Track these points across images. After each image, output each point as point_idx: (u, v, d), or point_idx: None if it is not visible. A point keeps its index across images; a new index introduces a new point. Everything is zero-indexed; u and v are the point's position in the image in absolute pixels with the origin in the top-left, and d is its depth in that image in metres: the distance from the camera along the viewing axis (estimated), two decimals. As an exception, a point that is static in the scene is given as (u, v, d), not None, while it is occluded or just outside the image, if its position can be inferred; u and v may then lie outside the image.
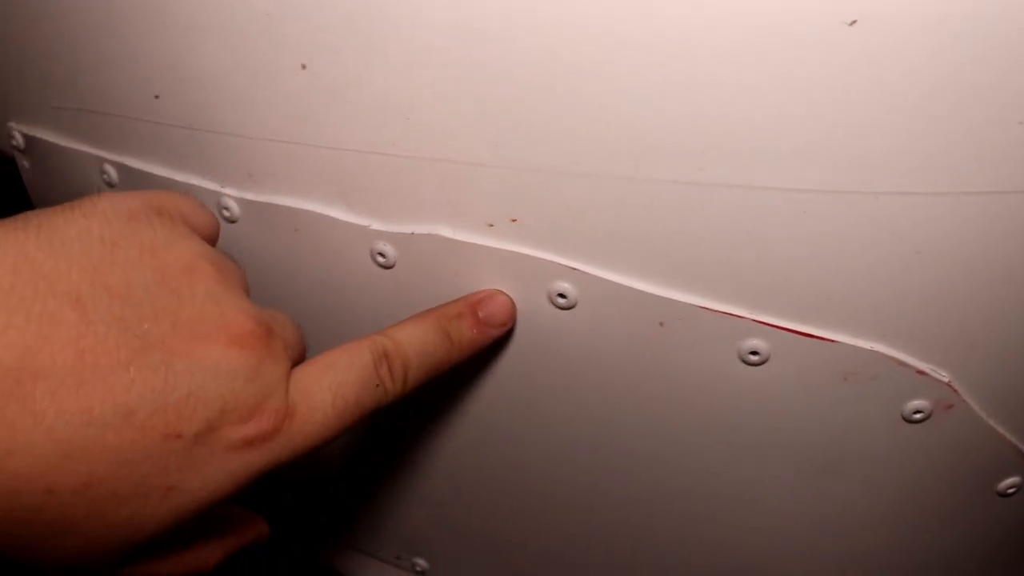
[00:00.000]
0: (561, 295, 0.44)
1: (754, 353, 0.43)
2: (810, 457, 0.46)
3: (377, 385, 0.38)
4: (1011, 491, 0.49)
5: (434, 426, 0.55)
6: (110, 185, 0.56)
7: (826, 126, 0.38)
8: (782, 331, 0.43)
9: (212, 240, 0.40)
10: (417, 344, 0.41)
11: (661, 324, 0.44)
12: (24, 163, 0.62)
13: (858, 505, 0.49)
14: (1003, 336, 0.44)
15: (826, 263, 0.41)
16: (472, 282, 0.46)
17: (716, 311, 0.43)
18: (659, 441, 0.48)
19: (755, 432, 0.46)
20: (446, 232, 0.45)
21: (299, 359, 0.38)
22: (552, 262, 0.44)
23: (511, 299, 0.46)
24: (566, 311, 0.44)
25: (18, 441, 0.29)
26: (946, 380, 0.43)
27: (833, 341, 0.42)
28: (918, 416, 0.44)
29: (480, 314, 0.44)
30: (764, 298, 0.43)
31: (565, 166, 0.41)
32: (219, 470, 0.33)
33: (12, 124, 0.61)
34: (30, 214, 0.33)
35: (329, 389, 0.36)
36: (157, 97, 0.51)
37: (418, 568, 0.66)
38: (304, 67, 0.44)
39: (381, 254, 0.47)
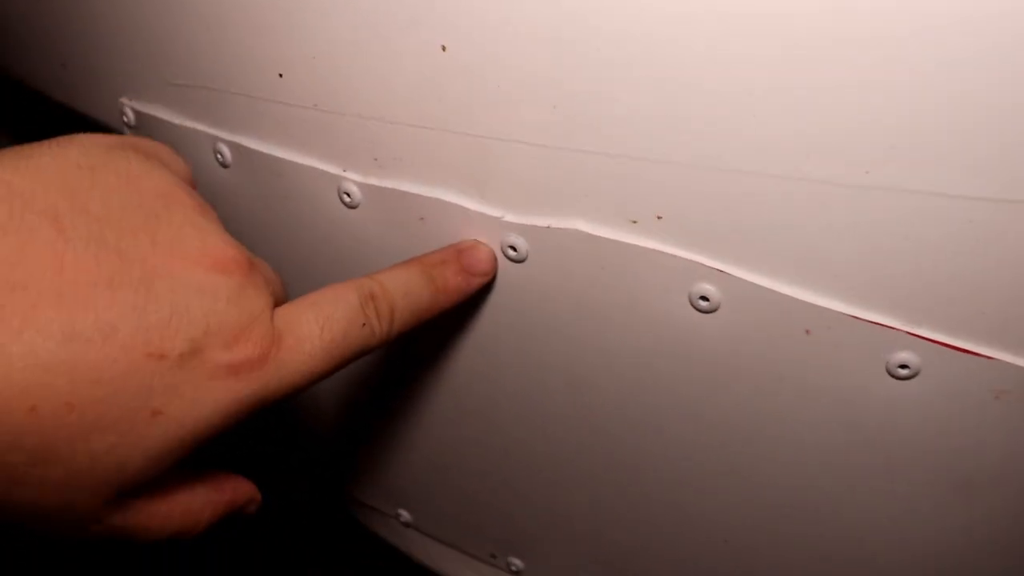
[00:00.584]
0: (704, 297, 0.43)
1: (903, 367, 0.42)
2: (946, 476, 0.45)
3: (364, 324, 0.38)
4: None
5: (548, 422, 0.53)
6: (224, 166, 0.55)
7: (1001, 134, 0.36)
8: (936, 344, 0.41)
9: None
10: (402, 287, 0.41)
11: (807, 332, 0.42)
12: (133, 140, 0.61)
13: (983, 527, 0.47)
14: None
15: (986, 275, 0.40)
16: (610, 279, 0.45)
17: (868, 321, 0.41)
18: (795, 451, 0.46)
19: (893, 447, 0.44)
20: (585, 227, 0.44)
21: (280, 302, 0.37)
22: (697, 263, 0.43)
23: (492, 250, 0.46)
24: (708, 315, 0.43)
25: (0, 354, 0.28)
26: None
27: (989, 358, 0.41)
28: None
29: (463, 262, 0.45)
30: (918, 309, 0.41)
31: (718, 161, 0.40)
32: (205, 396, 0.32)
33: (124, 100, 0.60)
34: (6, 148, 0.32)
35: (316, 321, 0.36)
36: (281, 76, 0.50)
37: (403, 519, 0.64)
38: (444, 48, 0.43)
39: (513, 247, 0.45)
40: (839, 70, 0.35)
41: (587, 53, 0.38)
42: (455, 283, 0.44)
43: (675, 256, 0.43)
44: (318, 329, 0.35)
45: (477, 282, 0.45)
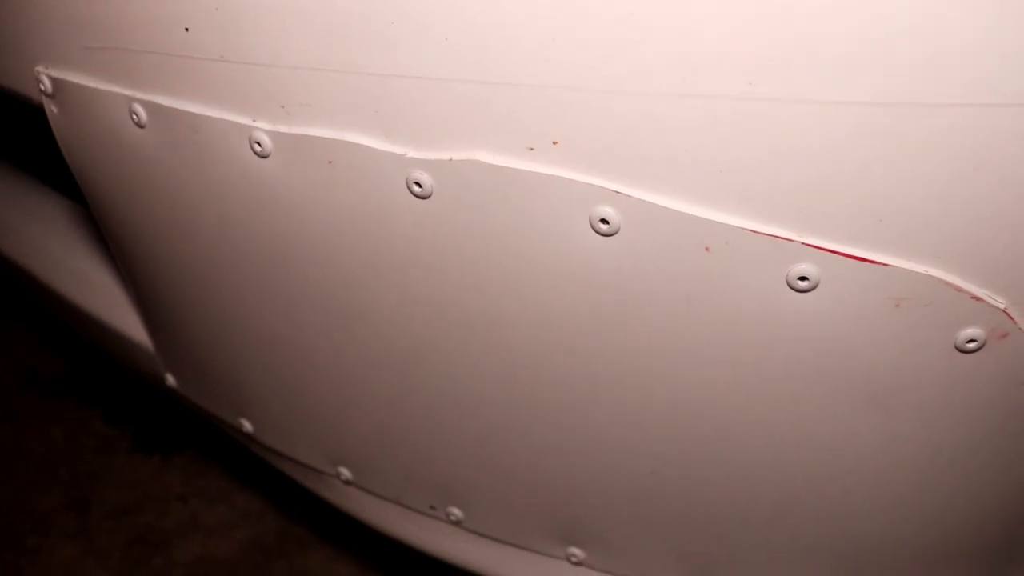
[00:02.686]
0: (604, 220, 0.43)
1: (803, 279, 0.42)
2: (860, 388, 0.45)
3: None
4: (1066, 428, 0.47)
5: (454, 357, 0.53)
6: (140, 127, 0.55)
7: (880, 31, 0.36)
8: (833, 255, 0.41)
9: None
10: None
11: (707, 249, 0.42)
12: (52, 108, 0.61)
13: (908, 438, 0.47)
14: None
15: (879, 181, 0.40)
16: (513, 208, 0.45)
17: (764, 234, 0.41)
18: (704, 370, 0.46)
19: (803, 361, 0.45)
20: (485, 157, 0.44)
21: None
22: (595, 186, 0.43)
23: None
24: (609, 237, 0.43)
25: None
26: (1002, 307, 0.42)
27: (886, 265, 0.41)
28: (971, 345, 0.43)
29: None
30: (814, 220, 0.41)
31: (607, 84, 0.40)
32: None
33: (40, 69, 0.60)
34: None
35: None
36: (187, 30, 0.50)
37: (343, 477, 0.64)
38: (339, -10, 0.43)
39: (417, 183, 0.46)
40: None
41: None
42: None
43: (573, 180, 0.43)
44: None
45: None
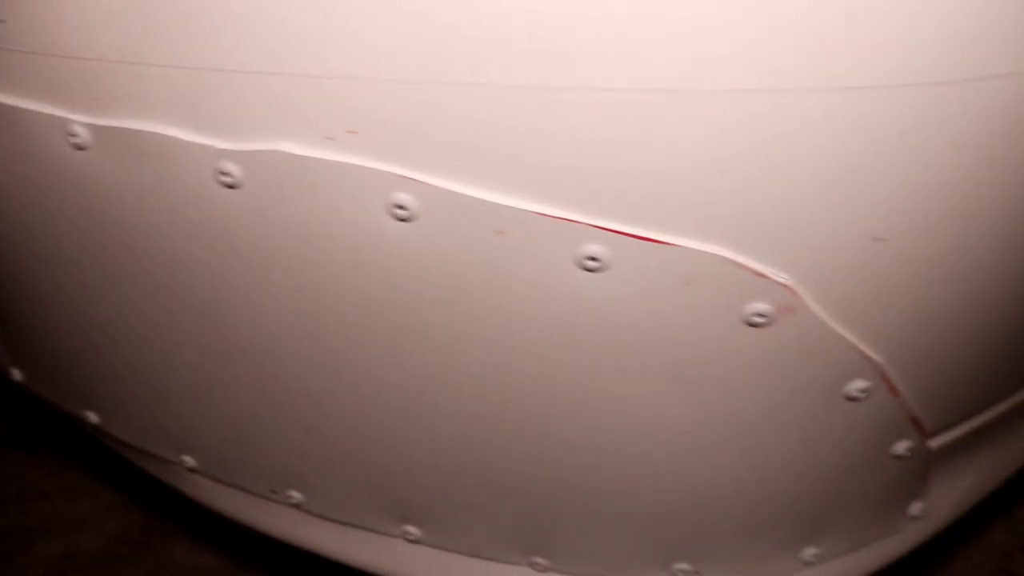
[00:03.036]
0: (400, 207, 0.44)
1: (593, 259, 0.43)
2: (661, 364, 0.47)
3: None
4: (859, 395, 0.49)
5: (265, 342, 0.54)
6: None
7: (662, 21, 0.37)
8: (620, 235, 0.43)
9: None
10: None
11: (500, 233, 0.43)
12: None
13: (713, 410, 0.49)
14: (845, 239, 0.44)
15: (662, 164, 0.41)
16: (316, 197, 0.45)
17: (552, 216, 0.43)
18: (508, 351, 0.48)
19: (600, 342, 0.46)
20: (287, 147, 0.45)
21: None
22: (390, 173, 0.43)
23: None
24: (407, 223, 0.44)
25: None
26: (786, 282, 0.44)
27: (672, 244, 0.43)
28: (759, 320, 0.45)
29: None
30: (602, 203, 0.43)
31: (398, 74, 0.41)
32: None
33: None
34: None
35: None
36: (3, 21, 0.50)
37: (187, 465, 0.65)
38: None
39: (227, 174, 0.46)
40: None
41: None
42: None
43: (369, 168, 0.44)
44: None
45: None
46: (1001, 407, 0.63)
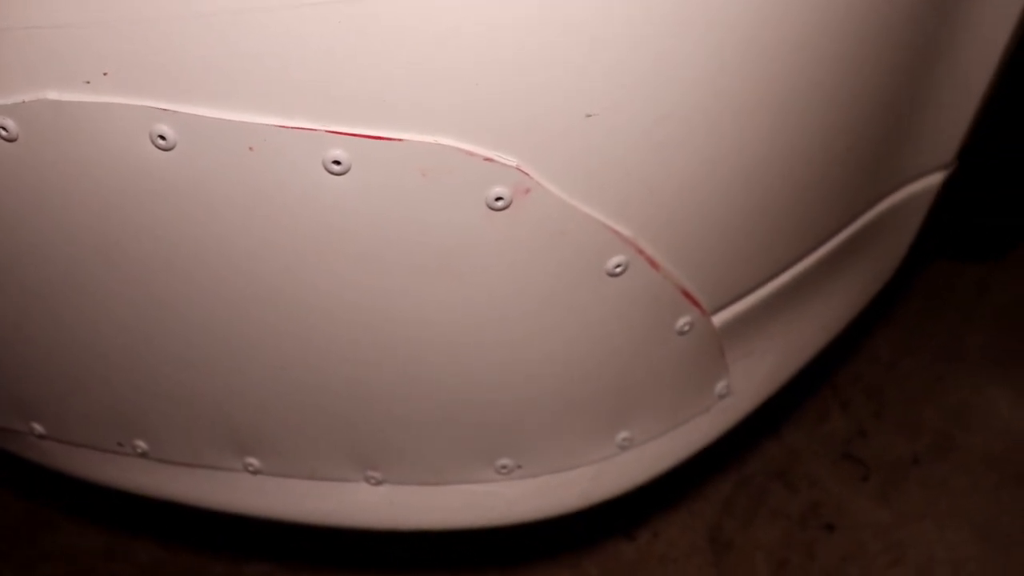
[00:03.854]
0: (161, 136, 0.48)
1: (336, 163, 0.48)
2: (416, 260, 0.52)
3: None
4: (617, 268, 0.55)
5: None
6: None
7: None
8: (355, 138, 0.48)
9: None
10: None
11: (251, 149, 0.48)
12: None
13: (480, 302, 0.54)
14: (561, 118, 0.49)
15: (380, 67, 0.46)
16: (84, 140, 0.49)
17: (293, 127, 0.47)
18: (278, 263, 0.52)
19: (357, 242, 0.51)
20: (52, 95, 0.49)
21: None
22: (147, 107, 0.48)
23: None
24: (169, 152, 0.49)
25: None
26: (513, 164, 0.49)
27: (399, 140, 0.47)
28: (500, 203, 0.50)
29: None
30: (337, 109, 0.47)
31: (141, 14, 0.45)
32: None
33: None
34: None
35: None
36: None
37: (36, 432, 0.68)
38: None
39: (3, 127, 0.50)
40: None
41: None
42: None
43: (127, 105, 0.48)
44: None
45: None
46: (780, 281, 0.68)
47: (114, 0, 0.46)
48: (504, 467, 0.65)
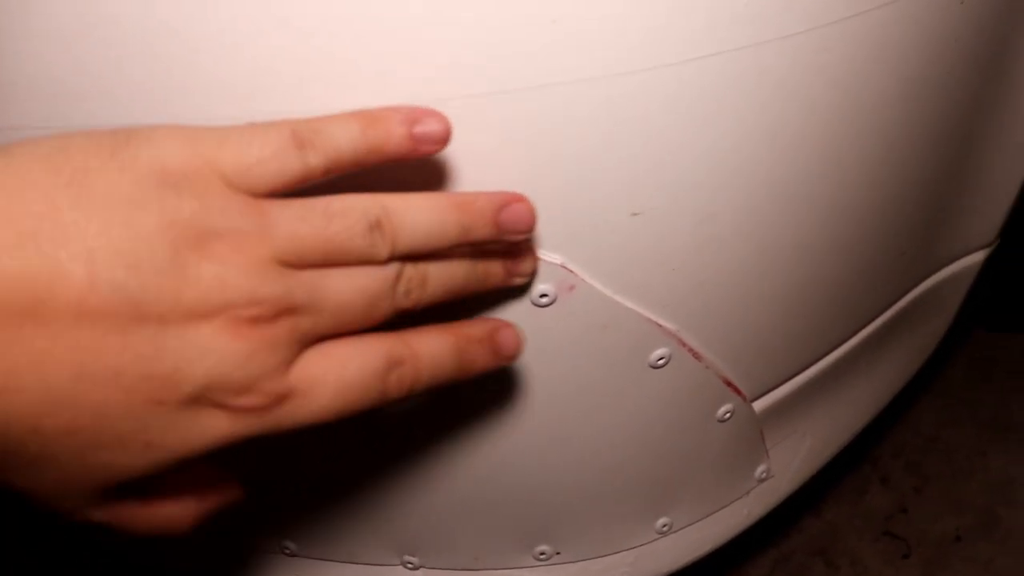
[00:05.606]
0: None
1: (383, 260, 0.48)
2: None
3: (381, 392, 0.38)
4: (661, 361, 0.55)
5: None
6: None
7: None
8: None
9: (280, 189, 0.35)
10: (434, 361, 0.40)
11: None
12: None
13: (518, 395, 0.54)
14: (606, 217, 0.50)
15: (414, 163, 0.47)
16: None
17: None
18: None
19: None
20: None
21: (340, 324, 0.37)
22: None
23: (520, 332, 0.46)
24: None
25: (14, 382, 0.31)
26: (558, 262, 0.49)
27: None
28: (544, 300, 0.50)
29: (496, 341, 0.44)
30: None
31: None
32: (200, 433, 0.34)
33: None
34: (71, 151, 0.32)
35: (334, 384, 0.36)
36: None
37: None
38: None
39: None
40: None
41: None
42: (482, 364, 0.43)
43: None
44: (332, 391, 0.36)
45: (501, 364, 0.44)
46: (821, 365, 0.68)
47: None
48: (543, 554, 0.65)
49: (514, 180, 0.46)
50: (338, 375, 0.36)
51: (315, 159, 0.35)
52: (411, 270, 0.39)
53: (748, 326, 0.59)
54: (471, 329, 0.42)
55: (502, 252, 0.45)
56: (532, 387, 0.54)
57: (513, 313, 0.50)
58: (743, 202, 0.51)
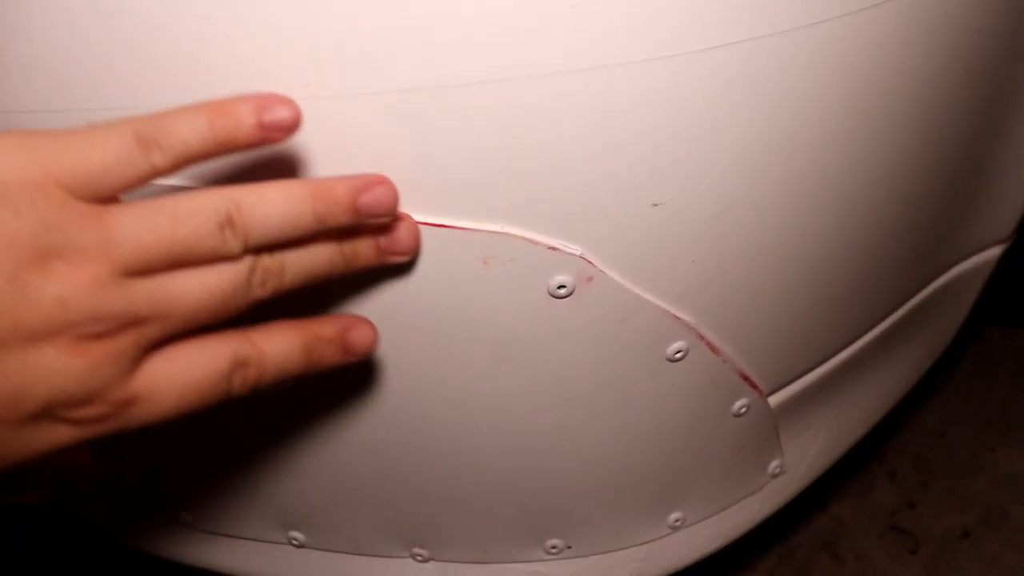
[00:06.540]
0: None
1: (400, 250, 0.47)
2: (479, 343, 0.51)
3: (225, 391, 0.38)
4: (678, 355, 0.54)
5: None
6: None
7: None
8: (419, 225, 0.47)
9: (126, 190, 0.35)
10: (280, 360, 0.40)
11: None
12: None
13: (539, 387, 0.53)
14: (627, 208, 0.49)
15: (443, 156, 0.46)
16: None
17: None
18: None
19: (420, 329, 0.50)
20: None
21: (191, 323, 0.36)
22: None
23: (375, 333, 0.46)
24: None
25: None
26: (577, 253, 0.48)
27: (464, 229, 0.47)
28: (562, 291, 0.49)
29: (348, 338, 0.44)
30: (406, 197, 0.47)
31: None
32: (42, 442, 0.35)
33: None
34: None
35: (178, 390, 0.36)
36: None
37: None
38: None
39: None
40: None
41: None
42: (331, 361, 0.43)
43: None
44: (176, 395, 0.36)
45: (352, 361, 0.44)
46: (836, 360, 0.67)
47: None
48: (554, 547, 0.64)
49: (534, 169, 0.45)
50: (182, 380, 0.36)
51: (161, 159, 0.34)
52: (267, 260, 0.38)
53: (766, 320, 0.58)
54: (322, 328, 0.42)
55: (372, 231, 0.44)
56: (546, 378, 0.53)
57: (530, 304, 0.49)
58: (763, 193, 0.50)
